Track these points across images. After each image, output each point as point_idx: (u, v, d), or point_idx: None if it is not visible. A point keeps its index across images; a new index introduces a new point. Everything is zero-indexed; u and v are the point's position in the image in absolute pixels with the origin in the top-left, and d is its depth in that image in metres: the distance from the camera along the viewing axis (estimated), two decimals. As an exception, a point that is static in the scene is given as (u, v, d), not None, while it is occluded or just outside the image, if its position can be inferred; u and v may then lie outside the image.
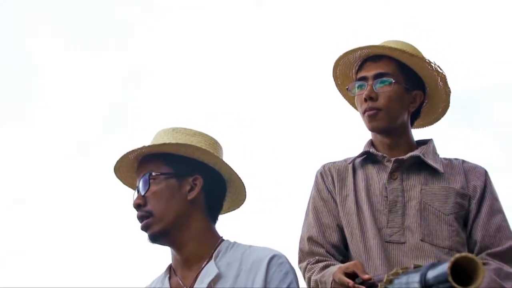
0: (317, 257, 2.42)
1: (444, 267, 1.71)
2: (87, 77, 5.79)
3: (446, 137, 2.57)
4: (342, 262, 2.36)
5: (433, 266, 1.79)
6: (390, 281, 1.97)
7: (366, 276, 2.08)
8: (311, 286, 2.38)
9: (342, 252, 2.44)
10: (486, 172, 2.44)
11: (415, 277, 1.85)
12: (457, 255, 1.68)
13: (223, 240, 2.13)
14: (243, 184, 2.18)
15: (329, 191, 2.51)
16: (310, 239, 2.46)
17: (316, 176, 2.58)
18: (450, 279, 1.68)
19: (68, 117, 5.80)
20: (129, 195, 2.16)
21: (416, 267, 1.92)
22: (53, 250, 5.51)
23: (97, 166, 5.50)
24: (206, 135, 2.17)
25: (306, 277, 2.41)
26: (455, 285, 1.68)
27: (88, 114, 5.81)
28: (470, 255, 1.70)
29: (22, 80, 5.74)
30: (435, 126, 2.64)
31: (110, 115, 5.84)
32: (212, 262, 2.05)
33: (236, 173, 2.14)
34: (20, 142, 5.74)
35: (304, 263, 2.44)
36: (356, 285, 2.07)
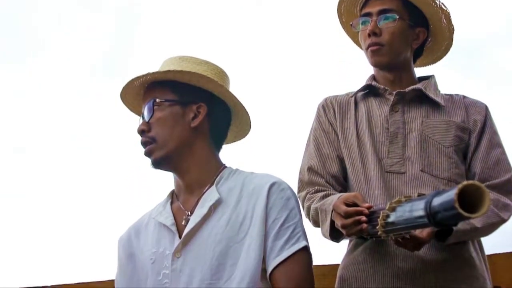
0: (316, 187, 2.45)
1: (451, 194, 1.73)
2: (84, 18, 5.76)
3: (450, 85, 2.58)
4: (341, 193, 2.38)
5: (438, 193, 1.81)
6: (393, 209, 2.00)
7: (366, 204, 2.12)
8: (311, 215, 2.40)
9: (341, 183, 2.46)
10: (486, 107, 2.46)
11: (420, 205, 1.88)
12: (465, 182, 1.70)
13: (225, 167, 2.15)
14: (248, 114, 2.19)
15: (330, 123, 2.52)
16: (310, 169, 2.49)
17: (318, 109, 2.59)
18: (456, 205, 1.71)
19: (67, 62, 5.78)
20: (130, 141, 2.17)
21: (420, 195, 1.94)
22: (52, 192, 5.54)
23: (96, 112, 5.52)
24: (213, 64, 2.18)
25: (305, 206, 2.43)
26: (461, 211, 1.71)
27: (86, 58, 5.79)
28: (477, 182, 1.72)
29: (16, 26, 5.71)
30: (438, 73, 2.65)
31: (109, 56, 5.83)
32: (213, 187, 2.07)
33: (240, 103, 2.15)
34: (19, 91, 5.73)
35: (303, 193, 2.47)
36: (358, 209, 2.10)
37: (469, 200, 1.72)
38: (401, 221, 1.95)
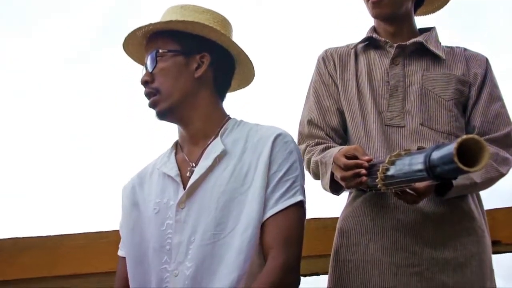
0: (316, 140, 2.47)
1: (450, 148, 1.75)
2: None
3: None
4: (341, 145, 2.41)
5: (437, 147, 1.83)
6: (392, 162, 2.01)
7: (366, 157, 2.13)
8: (311, 167, 2.43)
9: (341, 135, 2.48)
10: (487, 60, 2.47)
11: (419, 158, 1.89)
12: (464, 136, 1.72)
13: (230, 118, 2.16)
14: (251, 62, 2.19)
15: (330, 75, 2.53)
16: (310, 122, 2.50)
17: (318, 61, 2.59)
18: (455, 159, 1.72)
19: (68, 23, 5.75)
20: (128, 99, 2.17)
21: (420, 149, 1.96)
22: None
23: (97, 76, 5.51)
24: (215, 13, 2.16)
25: (305, 159, 2.45)
26: (460, 165, 1.73)
27: (88, 19, 5.76)
28: (476, 136, 1.74)
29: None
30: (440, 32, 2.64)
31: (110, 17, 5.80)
32: (218, 139, 2.08)
33: (243, 51, 2.15)
34: (20, 46, 5.71)
35: (303, 146, 2.49)
36: (358, 161, 2.12)
37: (468, 154, 1.75)
38: (400, 175, 1.97)
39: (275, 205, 1.97)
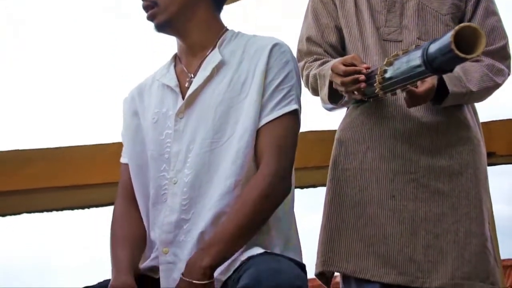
0: (315, 56, 2.49)
1: (447, 38, 1.77)
2: None
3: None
4: None
5: (434, 40, 1.85)
6: (390, 63, 2.03)
7: (364, 65, 2.15)
8: (309, 82, 2.45)
9: (340, 52, 2.49)
10: None
11: (417, 54, 1.91)
12: (461, 24, 1.74)
13: (227, 29, 2.15)
14: None
15: (328, -7, 2.52)
16: (309, 39, 2.51)
17: (316, -22, 2.58)
18: (453, 46, 1.74)
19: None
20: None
21: (417, 46, 1.98)
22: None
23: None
24: None
25: (304, 75, 2.47)
26: (458, 52, 1.74)
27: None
28: (473, 24, 1.78)
29: None
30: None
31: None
32: (216, 50, 2.08)
33: None
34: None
35: (302, 63, 2.50)
36: (357, 68, 2.14)
37: (465, 43, 1.77)
38: (398, 74, 2.00)
39: (270, 113, 1.99)
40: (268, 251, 1.89)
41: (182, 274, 1.82)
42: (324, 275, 2.30)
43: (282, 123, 1.99)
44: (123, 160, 2.21)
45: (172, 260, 1.96)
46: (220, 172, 1.96)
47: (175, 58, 2.20)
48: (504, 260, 3.87)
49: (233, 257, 1.87)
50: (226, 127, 1.99)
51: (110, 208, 2.25)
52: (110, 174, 2.87)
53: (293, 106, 2.01)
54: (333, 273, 2.31)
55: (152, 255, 2.03)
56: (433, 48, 1.85)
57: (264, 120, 1.98)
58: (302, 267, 1.84)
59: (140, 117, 2.15)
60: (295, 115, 2.02)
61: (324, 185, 2.43)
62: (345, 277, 2.30)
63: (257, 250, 1.87)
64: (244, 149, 1.96)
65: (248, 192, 1.91)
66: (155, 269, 2.01)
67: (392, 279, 2.17)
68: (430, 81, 2.13)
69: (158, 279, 1.99)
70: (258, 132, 1.98)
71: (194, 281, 1.78)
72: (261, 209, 1.91)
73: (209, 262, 1.80)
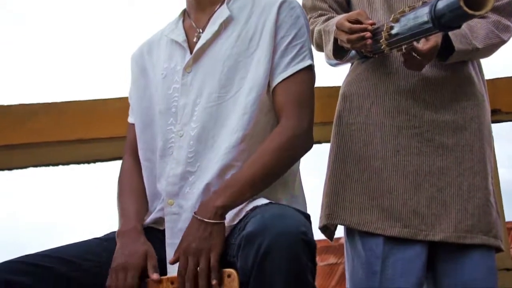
0: (319, 11, 2.48)
1: None
2: None
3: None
4: None
5: None
6: (397, 20, 2.02)
7: (370, 21, 2.14)
8: (314, 38, 2.44)
9: (344, 8, 2.48)
10: None
11: (424, 10, 1.90)
12: None
13: None
14: None
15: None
16: None
17: None
18: (461, 3, 1.73)
19: None
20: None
21: (424, 3, 1.96)
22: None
23: None
24: None
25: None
26: (466, 9, 1.74)
27: None
28: None
29: None
30: None
31: None
32: (224, 5, 2.09)
33: None
34: None
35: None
36: (362, 26, 2.13)
37: (473, 0, 1.77)
38: (405, 31, 1.99)
39: (285, 70, 2.00)
40: (273, 202, 1.91)
41: (195, 212, 1.85)
42: (328, 229, 2.32)
43: (298, 79, 2.01)
44: (130, 120, 2.23)
45: (177, 211, 1.98)
46: (227, 126, 1.98)
47: (184, 13, 2.21)
48: (507, 222, 3.90)
49: (238, 207, 1.88)
50: (233, 82, 2.00)
51: (115, 163, 2.27)
52: (115, 129, 2.89)
53: (308, 62, 2.02)
54: (336, 226, 2.33)
55: (158, 207, 2.05)
56: (441, 4, 1.84)
57: (280, 78, 2.00)
58: (307, 216, 1.86)
59: (148, 74, 2.16)
60: (310, 70, 2.04)
61: (328, 141, 2.44)
62: (349, 231, 2.32)
63: (262, 201, 1.89)
64: (251, 105, 1.97)
65: (268, 143, 1.94)
66: (160, 220, 2.04)
67: (396, 232, 2.19)
68: (434, 39, 2.11)
69: (163, 231, 2.01)
70: (274, 90, 2.01)
71: (205, 219, 1.81)
72: (280, 161, 1.94)
73: (222, 203, 1.83)
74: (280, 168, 1.96)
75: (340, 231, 2.40)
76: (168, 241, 1.97)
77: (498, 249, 2.28)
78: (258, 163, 1.91)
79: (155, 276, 1.86)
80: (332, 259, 9.08)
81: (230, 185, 1.88)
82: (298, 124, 1.97)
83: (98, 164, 3.23)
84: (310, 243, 1.70)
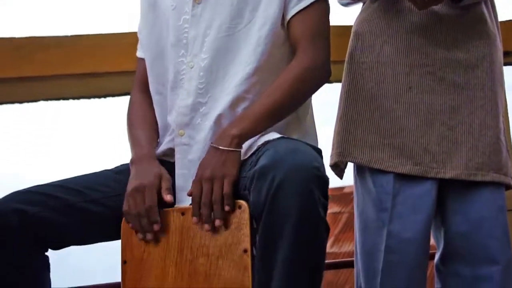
0: None
1: None
2: None
3: None
4: None
5: None
6: None
7: None
8: None
9: None
10: None
11: None
12: None
13: None
14: None
15: None
16: None
17: None
18: None
19: None
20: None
21: None
22: None
23: None
24: None
25: None
26: None
27: None
28: None
29: None
30: None
31: None
32: None
33: None
34: None
35: None
36: None
37: None
38: None
39: (300, 2, 2.00)
40: (286, 136, 1.91)
41: (211, 142, 1.87)
42: (338, 167, 2.33)
43: (313, 11, 2.01)
44: (139, 54, 2.23)
45: (188, 142, 1.99)
46: (239, 58, 1.97)
47: None
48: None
49: (250, 141, 1.89)
50: (244, 13, 1.99)
51: (126, 98, 2.28)
52: (126, 63, 2.88)
53: None
54: (347, 164, 2.34)
55: (168, 138, 2.06)
56: None
57: (294, 10, 1.99)
58: (319, 152, 1.87)
59: (159, 5, 2.13)
60: (324, 1, 2.04)
61: (339, 81, 2.43)
62: (359, 169, 2.32)
63: (274, 135, 1.89)
64: (264, 38, 1.97)
65: (285, 75, 1.94)
66: (170, 152, 2.05)
67: (407, 170, 2.19)
68: None
69: (173, 163, 2.02)
70: (289, 23, 2.00)
71: (221, 147, 1.83)
72: (296, 92, 1.95)
73: (239, 131, 1.84)
74: (297, 100, 1.97)
75: (345, 180, 2.40)
76: (178, 171, 1.99)
77: (508, 187, 2.28)
78: (275, 94, 1.91)
79: (168, 197, 1.88)
80: (335, 208, 9.14)
81: (246, 115, 1.89)
82: (316, 56, 1.97)
83: (109, 98, 3.24)
84: (322, 178, 1.71)
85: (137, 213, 1.86)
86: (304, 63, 1.95)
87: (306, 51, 1.97)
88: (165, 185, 1.90)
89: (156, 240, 1.89)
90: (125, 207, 1.89)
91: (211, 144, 1.86)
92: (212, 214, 1.79)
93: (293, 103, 1.97)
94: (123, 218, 1.91)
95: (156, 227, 1.86)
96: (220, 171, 1.80)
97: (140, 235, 1.89)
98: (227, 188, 1.79)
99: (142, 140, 2.05)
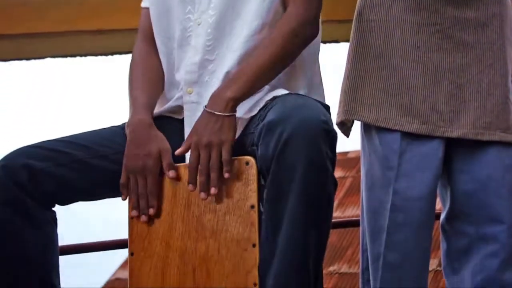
0: None
1: None
2: None
3: None
4: None
5: None
6: None
7: None
8: None
9: None
10: None
11: None
12: None
13: None
14: None
15: None
16: None
17: None
18: None
19: None
20: None
21: None
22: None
23: None
24: None
25: None
26: None
27: None
28: None
29: None
30: None
31: None
32: None
33: None
34: None
35: None
36: None
37: None
38: None
39: None
40: (293, 92, 1.91)
41: (205, 106, 1.85)
42: (345, 125, 2.32)
43: None
44: (144, 4, 2.20)
45: (196, 100, 1.98)
46: (246, 14, 1.96)
47: None
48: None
49: (257, 97, 1.89)
50: None
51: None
52: (133, 21, 2.87)
53: None
54: (353, 122, 2.33)
55: (176, 95, 2.05)
56: None
57: None
58: (327, 107, 1.87)
59: None
60: None
61: (347, 41, 2.41)
62: (366, 127, 2.32)
63: (282, 91, 1.89)
64: None
65: (277, 29, 1.93)
66: (178, 109, 2.05)
67: (414, 128, 2.19)
68: None
69: (181, 120, 2.02)
70: None
71: (216, 112, 1.82)
72: (290, 46, 1.93)
73: (233, 94, 1.83)
74: (288, 56, 1.95)
75: (350, 145, 2.40)
76: (187, 129, 1.98)
77: None
78: (266, 52, 1.90)
79: (171, 173, 1.88)
80: (340, 173, 9.13)
81: (239, 76, 1.88)
82: (306, 10, 1.95)
83: (116, 56, 3.23)
84: (330, 132, 1.72)
85: (135, 194, 1.88)
86: (295, 18, 1.93)
87: (297, 6, 1.95)
88: (165, 162, 1.89)
89: (164, 196, 1.90)
90: (123, 180, 1.91)
91: (205, 109, 1.84)
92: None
93: (285, 59, 1.95)
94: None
95: (151, 211, 1.88)
96: (218, 138, 1.79)
97: (135, 212, 1.91)
98: (225, 155, 1.79)
99: (139, 102, 2.02)
